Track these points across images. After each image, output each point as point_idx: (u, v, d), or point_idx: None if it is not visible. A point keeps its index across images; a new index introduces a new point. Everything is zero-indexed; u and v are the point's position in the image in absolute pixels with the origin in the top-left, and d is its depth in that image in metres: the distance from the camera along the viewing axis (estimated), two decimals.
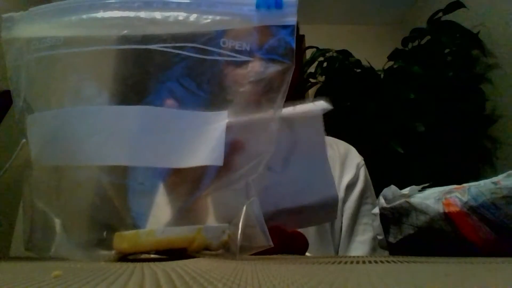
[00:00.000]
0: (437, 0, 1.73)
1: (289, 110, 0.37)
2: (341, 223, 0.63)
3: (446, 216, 0.34)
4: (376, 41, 2.21)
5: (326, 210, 0.42)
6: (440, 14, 1.58)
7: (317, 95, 1.67)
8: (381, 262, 0.26)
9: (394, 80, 1.53)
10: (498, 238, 0.32)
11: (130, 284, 0.15)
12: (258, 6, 0.33)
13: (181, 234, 0.30)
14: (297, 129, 0.41)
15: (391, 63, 1.60)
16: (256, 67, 0.34)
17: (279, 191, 0.40)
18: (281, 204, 0.40)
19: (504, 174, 0.34)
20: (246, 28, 0.33)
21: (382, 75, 1.60)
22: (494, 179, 0.33)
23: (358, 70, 1.61)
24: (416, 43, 1.63)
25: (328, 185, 0.42)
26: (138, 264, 0.23)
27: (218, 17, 0.33)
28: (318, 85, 1.70)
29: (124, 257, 0.30)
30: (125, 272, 0.19)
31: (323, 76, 1.69)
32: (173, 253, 0.31)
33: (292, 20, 0.33)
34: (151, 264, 0.24)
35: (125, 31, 0.32)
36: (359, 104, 1.50)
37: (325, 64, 1.66)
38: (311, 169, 0.42)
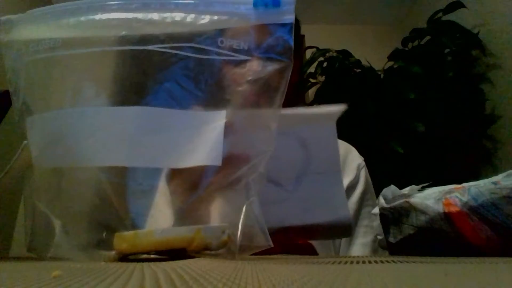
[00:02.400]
0: (437, 0, 1.73)
1: (304, 110, 0.37)
2: None
3: (446, 216, 0.34)
4: (376, 41, 2.21)
5: (338, 229, 0.42)
6: (440, 14, 1.58)
7: (317, 95, 1.67)
8: (381, 262, 0.26)
9: (394, 80, 1.53)
10: (498, 238, 0.32)
11: (130, 284, 0.15)
12: (255, 4, 0.33)
13: (180, 234, 0.30)
14: (311, 148, 0.40)
15: (391, 63, 1.60)
16: (254, 66, 0.34)
17: (288, 208, 0.40)
18: (288, 221, 0.39)
19: (504, 174, 0.34)
20: (244, 27, 0.33)
21: (382, 75, 1.60)
22: (494, 179, 0.33)
23: (358, 70, 1.61)
24: (416, 43, 1.63)
25: (340, 205, 0.41)
26: (138, 264, 0.23)
27: (215, 17, 0.33)
28: (318, 85, 1.70)
29: (124, 257, 0.30)
30: (125, 272, 0.19)
31: (323, 76, 1.69)
32: (172, 253, 0.31)
33: (290, 18, 0.33)
34: (151, 264, 0.24)
35: (123, 32, 0.32)
36: (359, 104, 1.50)
37: (325, 64, 1.66)
38: (324, 189, 0.41)
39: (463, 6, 1.53)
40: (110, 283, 0.15)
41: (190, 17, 0.33)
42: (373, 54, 1.70)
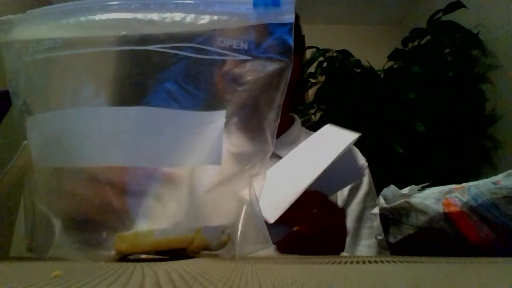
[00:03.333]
0: (437, 0, 1.73)
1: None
2: None
3: (446, 216, 0.34)
4: (376, 41, 2.21)
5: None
6: (440, 14, 1.57)
7: (317, 95, 1.67)
8: (381, 262, 0.26)
9: (394, 80, 1.52)
10: (498, 238, 0.32)
11: (130, 284, 0.15)
12: (255, 4, 0.33)
13: (180, 234, 0.30)
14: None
15: (391, 63, 1.60)
16: (254, 66, 0.34)
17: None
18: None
19: (504, 174, 0.34)
20: (243, 26, 0.33)
21: (382, 75, 1.60)
22: (494, 179, 0.33)
23: (358, 70, 1.61)
24: (416, 43, 1.63)
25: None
26: (138, 264, 0.23)
27: (215, 17, 0.33)
28: (318, 85, 1.70)
29: (124, 258, 0.30)
30: (125, 272, 0.19)
31: (323, 76, 1.69)
32: (172, 253, 0.31)
33: (289, 18, 0.33)
34: (151, 264, 0.24)
35: (123, 33, 0.32)
36: (359, 104, 1.49)
37: (325, 64, 1.66)
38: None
39: (463, 6, 1.53)
40: (110, 283, 0.15)
41: (190, 17, 0.33)
42: (373, 54, 1.70)
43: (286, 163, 0.46)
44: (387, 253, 0.43)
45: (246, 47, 0.33)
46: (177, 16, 0.33)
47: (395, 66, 1.57)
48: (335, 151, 0.43)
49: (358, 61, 1.60)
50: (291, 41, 0.33)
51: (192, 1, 0.33)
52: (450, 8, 1.54)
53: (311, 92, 1.79)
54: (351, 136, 0.45)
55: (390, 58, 1.61)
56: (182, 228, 0.31)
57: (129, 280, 0.16)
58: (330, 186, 0.44)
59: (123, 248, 0.29)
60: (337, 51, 1.66)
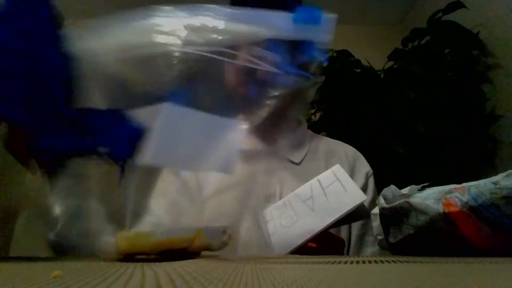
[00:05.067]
0: (437, 0, 1.73)
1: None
2: (349, 232, 0.63)
3: (446, 216, 0.34)
4: (376, 41, 2.21)
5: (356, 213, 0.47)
6: (440, 14, 1.57)
7: (317, 95, 1.67)
8: (381, 262, 0.26)
9: (394, 80, 1.52)
10: (498, 238, 0.32)
11: (130, 284, 0.15)
12: (295, 20, 0.33)
13: (181, 234, 0.30)
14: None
15: (391, 63, 1.60)
16: (284, 81, 0.34)
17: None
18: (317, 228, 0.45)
19: (504, 174, 0.34)
20: (280, 40, 0.33)
21: (382, 75, 1.60)
22: (494, 179, 0.33)
23: (358, 70, 1.61)
24: (416, 43, 1.63)
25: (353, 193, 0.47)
26: (138, 264, 0.23)
27: (254, 27, 0.33)
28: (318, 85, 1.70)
29: (125, 258, 0.30)
30: (125, 272, 0.19)
31: (323, 76, 1.68)
32: (173, 253, 0.31)
33: (327, 37, 0.33)
34: (151, 264, 0.24)
35: (172, 37, 0.33)
36: (359, 104, 1.49)
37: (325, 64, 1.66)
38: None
39: (463, 6, 1.53)
40: (110, 283, 0.15)
41: (230, 26, 0.33)
42: (373, 54, 1.70)
43: (289, 205, 0.45)
44: (387, 253, 0.43)
45: (279, 61, 0.33)
46: (220, 24, 0.33)
47: (395, 66, 1.57)
48: (338, 211, 0.44)
49: (358, 61, 1.60)
50: (324, 60, 0.33)
51: (234, 11, 0.33)
52: (450, 8, 1.54)
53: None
54: (358, 197, 0.45)
55: (390, 58, 1.61)
56: (182, 228, 0.31)
57: (129, 280, 0.16)
58: (332, 225, 0.45)
59: (123, 248, 0.29)
60: (337, 51, 1.66)
